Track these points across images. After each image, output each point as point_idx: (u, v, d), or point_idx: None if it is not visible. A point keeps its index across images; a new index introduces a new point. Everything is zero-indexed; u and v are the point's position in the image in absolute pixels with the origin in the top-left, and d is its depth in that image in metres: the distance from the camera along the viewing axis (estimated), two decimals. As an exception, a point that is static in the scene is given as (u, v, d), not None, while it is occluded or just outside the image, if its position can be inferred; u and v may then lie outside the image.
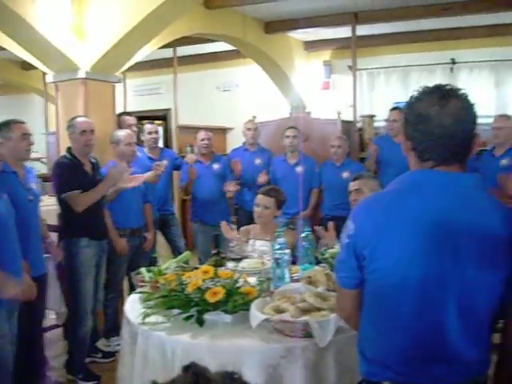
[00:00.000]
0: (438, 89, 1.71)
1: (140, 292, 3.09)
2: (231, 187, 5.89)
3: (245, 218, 5.74)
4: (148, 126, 5.92)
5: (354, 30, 7.36)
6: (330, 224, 3.71)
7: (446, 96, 1.68)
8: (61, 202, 4.23)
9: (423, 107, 1.70)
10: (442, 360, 1.70)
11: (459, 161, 1.71)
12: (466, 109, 1.70)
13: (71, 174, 4.19)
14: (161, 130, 9.46)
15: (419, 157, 1.74)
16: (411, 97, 1.76)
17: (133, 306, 2.94)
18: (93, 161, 4.40)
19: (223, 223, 3.96)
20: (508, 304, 1.74)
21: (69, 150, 4.31)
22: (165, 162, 5.34)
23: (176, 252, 5.49)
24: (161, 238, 5.98)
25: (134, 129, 5.41)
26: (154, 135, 5.87)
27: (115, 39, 4.97)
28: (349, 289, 1.83)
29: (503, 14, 6.80)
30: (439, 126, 1.67)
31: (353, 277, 1.79)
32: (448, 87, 1.72)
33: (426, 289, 1.66)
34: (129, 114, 5.82)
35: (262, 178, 6.13)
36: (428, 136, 1.69)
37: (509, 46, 7.61)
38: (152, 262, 3.93)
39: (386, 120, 6.33)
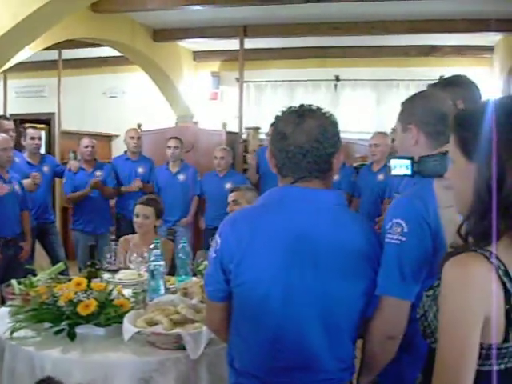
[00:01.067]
0: (298, 109, 1.79)
1: (10, 305, 2.96)
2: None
3: (126, 227, 5.67)
4: (30, 131, 5.73)
5: (242, 43, 7.48)
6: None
7: (302, 115, 1.76)
8: None
9: (282, 126, 1.77)
10: (306, 370, 1.76)
11: (318, 177, 1.78)
12: (323, 128, 1.75)
13: None
14: (43, 134, 9.17)
15: (279, 173, 1.82)
16: (276, 116, 1.83)
17: (1, 321, 2.80)
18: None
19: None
20: (366, 319, 1.84)
21: None
22: (38, 176, 5.17)
23: (55, 262, 5.31)
24: (39, 248, 5.77)
25: (11, 134, 5.19)
26: (36, 141, 5.71)
27: (-6, 38, 4.76)
28: (216, 301, 1.86)
29: (387, 36, 7.17)
30: (293, 144, 1.74)
31: (220, 290, 1.82)
32: (308, 107, 1.80)
33: (289, 302, 1.72)
34: (6, 117, 5.59)
35: (136, 183, 6.13)
36: (283, 153, 1.76)
37: (389, 66, 8.06)
38: (28, 274, 3.76)
39: (266, 134, 6.48)
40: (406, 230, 1.76)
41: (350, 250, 1.75)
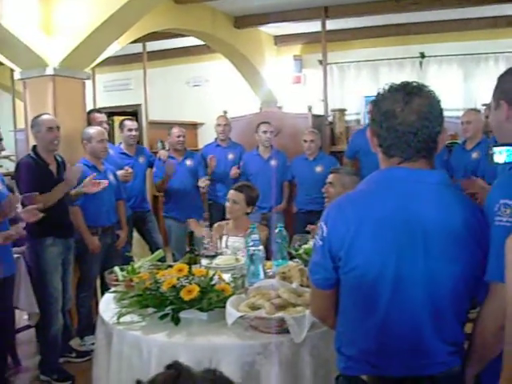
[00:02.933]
0: (404, 86, 1.75)
1: (114, 291, 3.07)
2: (202, 183, 5.89)
3: (218, 213, 5.76)
4: (128, 123, 5.87)
5: (323, 25, 7.38)
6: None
7: (410, 93, 1.72)
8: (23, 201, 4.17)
9: (388, 104, 1.73)
10: (416, 352, 1.74)
11: (425, 157, 1.75)
12: (431, 106, 1.73)
13: (33, 174, 4.12)
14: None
15: (385, 153, 1.78)
16: (377, 94, 1.79)
17: (107, 306, 2.92)
18: (59, 159, 4.35)
19: (191, 220, 3.95)
20: (476, 295, 1.79)
21: (34, 148, 4.25)
22: (129, 171, 5.32)
23: (154, 248, 5.45)
24: (136, 236, 5.95)
25: (105, 126, 5.35)
26: (133, 132, 5.84)
27: (83, 35, 4.90)
28: (324, 289, 1.85)
29: (471, 8, 6.89)
30: (403, 123, 1.70)
31: (328, 278, 1.81)
32: (413, 84, 1.75)
33: (399, 285, 1.70)
34: (98, 110, 5.76)
35: (233, 172, 6.16)
36: (392, 133, 1.72)
37: (477, 40, 7.73)
38: (126, 261, 3.89)
39: (368, 112, 6.36)
40: None
41: (457, 233, 1.70)
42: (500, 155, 1.89)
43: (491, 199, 1.76)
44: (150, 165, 6.12)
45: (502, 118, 1.88)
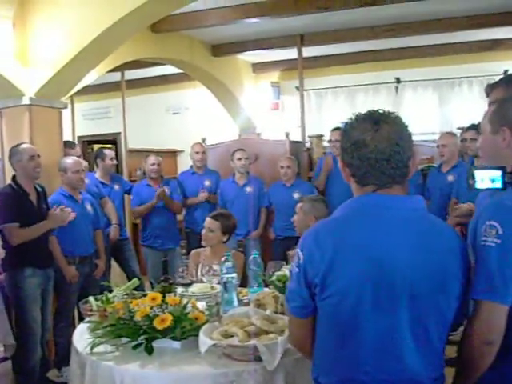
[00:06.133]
0: (370, 115, 1.76)
1: (88, 321, 3.05)
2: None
3: (195, 241, 5.73)
4: (109, 153, 5.98)
5: (300, 52, 7.46)
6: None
7: (378, 121, 1.73)
8: (1, 232, 4.15)
9: (357, 134, 1.74)
10: (399, 382, 1.73)
11: (398, 183, 1.76)
12: (400, 132, 1.74)
13: (13, 204, 4.11)
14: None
15: (359, 182, 1.79)
16: (345, 124, 1.80)
17: (81, 336, 2.90)
18: (39, 189, 4.34)
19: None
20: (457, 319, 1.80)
21: (13, 178, 4.24)
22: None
23: (131, 277, 5.43)
24: (114, 265, 5.92)
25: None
26: (114, 161, 5.98)
27: (60, 65, 4.91)
28: (301, 317, 1.84)
29: (444, 34, 7.04)
30: (374, 150, 1.71)
31: (305, 306, 1.80)
32: (380, 112, 1.77)
33: (379, 312, 1.69)
34: (73, 144, 5.81)
35: (201, 195, 6.23)
36: (365, 161, 1.73)
37: (450, 65, 7.89)
38: (104, 290, 3.86)
39: (329, 141, 6.46)
40: (500, 232, 1.71)
41: (437, 262, 1.72)
42: (485, 182, 1.92)
43: (478, 221, 1.79)
44: (126, 192, 6.14)
45: (502, 144, 1.90)
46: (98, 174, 5.88)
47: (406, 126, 1.78)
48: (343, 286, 1.70)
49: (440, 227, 1.81)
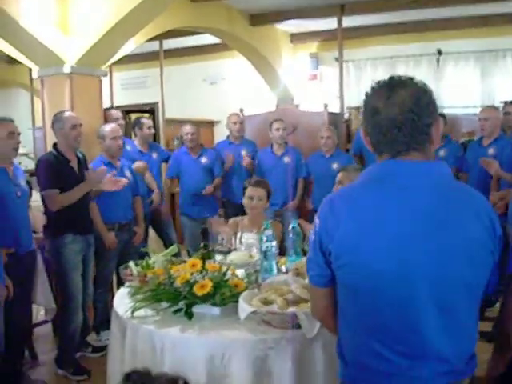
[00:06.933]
0: (389, 81, 1.68)
1: (128, 286, 3.10)
2: (208, 190, 5.99)
3: (232, 210, 5.78)
4: (147, 122, 6.00)
5: (340, 22, 7.37)
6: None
7: (393, 87, 1.65)
8: (43, 199, 4.22)
9: (373, 101, 1.67)
10: (422, 357, 1.64)
11: (416, 150, 1.66)
12: (417, 98, 1.63)
13: (53, 171, 4.15)
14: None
15: (375, 150, 1.73)
16: (366, 92, 1.73)
17: (121, 301, 2.95)
18: (79, 156, 4.39)
19: (212, 219, 3.94)
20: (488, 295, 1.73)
21: (55, 146, 4.28)
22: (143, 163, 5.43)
23: (168, 244, 5.49)
24: (151, 232, 5.99)
25: (121, 122, 5.40)
26: (152, 130, 6.00)
27: (100, 33, 4.95)
28: (319, 287, 1.80)
29: (489, 4, 6.83)
30: (385, 118, 1.64)
31: (322, 274, 1.75)
32: (399, 78, 1.68)
33: (401, 281, 1.61)
34: (114, 108, 5.83)
35: (245, 161, 6.24)
36: (377, 129, 1.66)
37: (494, 36, 7.67)
38: (142, 257, 3.91)
39: (361, 112, 6.37)
40: None
41: (459, 231, 1.62)
42: None
43: None
44: (164, 161, 6.19)
45: None
46: (135, 143, 5.92)
47: (429, 91, 1.67)
48: (358, 256, 1.63)
49: (467, 194, 1.72)
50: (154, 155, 6.00)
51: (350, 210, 1.67)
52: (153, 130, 5.96)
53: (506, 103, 5.80)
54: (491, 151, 5.39)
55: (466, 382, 1.71)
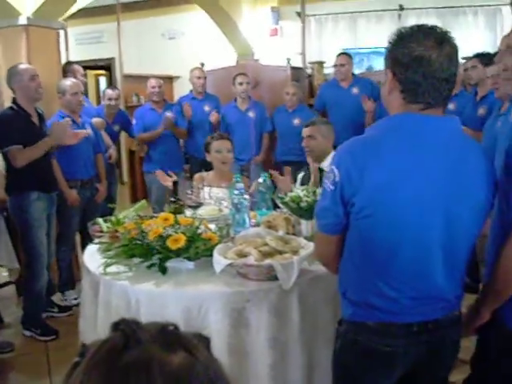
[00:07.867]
0: (433, 31, 1.69)
1: (98, 242, 3.04)
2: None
3: (196, 166, 5.74)
4: (109, 92, 5.88)
5: (301, -25, 7.25)
6: (287, 169, 3.74)
7: (442, 40, 1.67)
8: (5, 156, 4.08)
9: (421, 50, 1.66)
10: (427, 298, 1.79)
11: (445, 104, 1.75)
12: (457, 53, 1.71)
13: (14, 126, 4.01)
14: (104, 80, 9.24)
15: (407, 98, 1.72)
16: (400, 37, 1.70)
17: (92, 257, 2.88)
18: (39, 111, 4.25)
19: (158, 172, 3.87)
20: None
21: (14, 101, 4.13)
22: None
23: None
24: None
25: (80, 77, 5.25)
26: (113, 101, 5.85)
27: (57, -17, 4.76)
28: (332, 234, 1.85)
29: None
30: (439, 69, 1.66)
31: (338, 223, 1.80)
32: (441, 30, 1.70)
33: (418, 229, 1.71)
34: (74, 63, 5.67)
35: (213, 117, 6.19)
36: (429, 79, 1.67)
37: (456, -8, 7.67)
38: (104, 214, 3.83)
39: (334, 65, 6.33)
40: None
41: (474, 178, 1.75)
42: None
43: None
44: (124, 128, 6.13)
45: None
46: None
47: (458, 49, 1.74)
48: (384, 207, 1.69)
49: (478, 149, 1.82)
50: (116, 128, 5.95)
51: (375, 164, 1.68)
52: (114, 102, 5.85)
53: (466, 59, 5.82)
54: (451, 106, 5.41)
55: (456, 313, 1.88)
